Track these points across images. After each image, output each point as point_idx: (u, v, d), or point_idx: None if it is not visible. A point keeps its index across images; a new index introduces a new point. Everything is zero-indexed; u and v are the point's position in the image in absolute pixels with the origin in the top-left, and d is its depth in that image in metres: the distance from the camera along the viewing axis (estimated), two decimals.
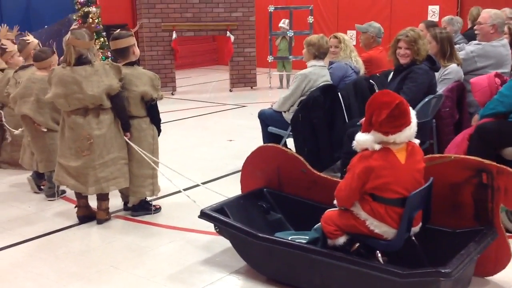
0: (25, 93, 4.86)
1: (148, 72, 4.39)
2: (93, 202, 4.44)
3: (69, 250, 3.91)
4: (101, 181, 4.21)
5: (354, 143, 3.01)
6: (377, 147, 2.90)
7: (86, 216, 4.41)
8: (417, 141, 3.03)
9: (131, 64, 4.34)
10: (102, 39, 10.45)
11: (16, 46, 5.64)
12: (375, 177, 2.88)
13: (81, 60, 4.12)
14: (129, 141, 4.30)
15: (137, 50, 4.38)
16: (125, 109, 4.26)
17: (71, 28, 4.18)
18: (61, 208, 4.65)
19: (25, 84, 4.89)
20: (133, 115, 4.34)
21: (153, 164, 4.35)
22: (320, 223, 3.18)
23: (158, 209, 4.58)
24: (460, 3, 12.14)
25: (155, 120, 4.47)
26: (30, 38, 5.34)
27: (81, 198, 4.38)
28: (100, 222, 4.35)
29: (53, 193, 4.92)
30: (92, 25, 4.33)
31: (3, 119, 5.82)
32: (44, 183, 5.11)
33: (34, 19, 12.30)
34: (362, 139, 2.95)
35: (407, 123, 2.91)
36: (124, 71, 4.27)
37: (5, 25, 5.87)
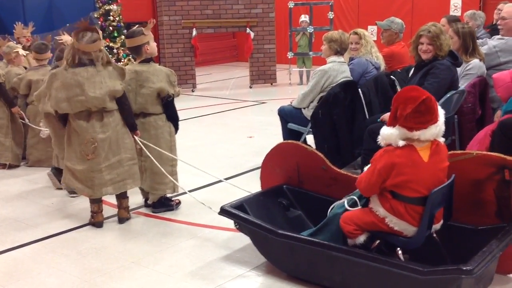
0: None
1: (164, 69, 4.39)
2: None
3: (91, 246, 3.95)
4: (107, 184, 4.16)
5: (379, 137, 2.98)
6: (401, 143, 2.86)
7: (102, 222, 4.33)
8: (442, 140, 2.97)
9: (147, 61, 4.34)
10: (123, 36, 10.55)
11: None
12: (396, 174, 2.85)
13: (83, 62, 4.01)
14: (137, 139, 4.25)
15: (151, 48, 4.30)
16: (131, 110, 4.22)
17: (74, 33, 3.99)
18: (83, 205, 4.70)
19: None
20: (150, 112, 4.33)
21: (158, 163, 4.26)
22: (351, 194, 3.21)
23: (178, 204, 4.59)
24: None
25: (172, 117, 4.44)
26: (64, 38, 5.32)
27: (95, 203, 4.28)
28: (122, 221, 4.35)
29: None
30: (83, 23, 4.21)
31: (26, 120, 5.94)
32: None
33: (56, 17, 12.43)
34: (386, 133, 2.91)
35: (434, 120, 2.85)
36: (140, 68, 4.28)
37: (20, 22, 5.98)
